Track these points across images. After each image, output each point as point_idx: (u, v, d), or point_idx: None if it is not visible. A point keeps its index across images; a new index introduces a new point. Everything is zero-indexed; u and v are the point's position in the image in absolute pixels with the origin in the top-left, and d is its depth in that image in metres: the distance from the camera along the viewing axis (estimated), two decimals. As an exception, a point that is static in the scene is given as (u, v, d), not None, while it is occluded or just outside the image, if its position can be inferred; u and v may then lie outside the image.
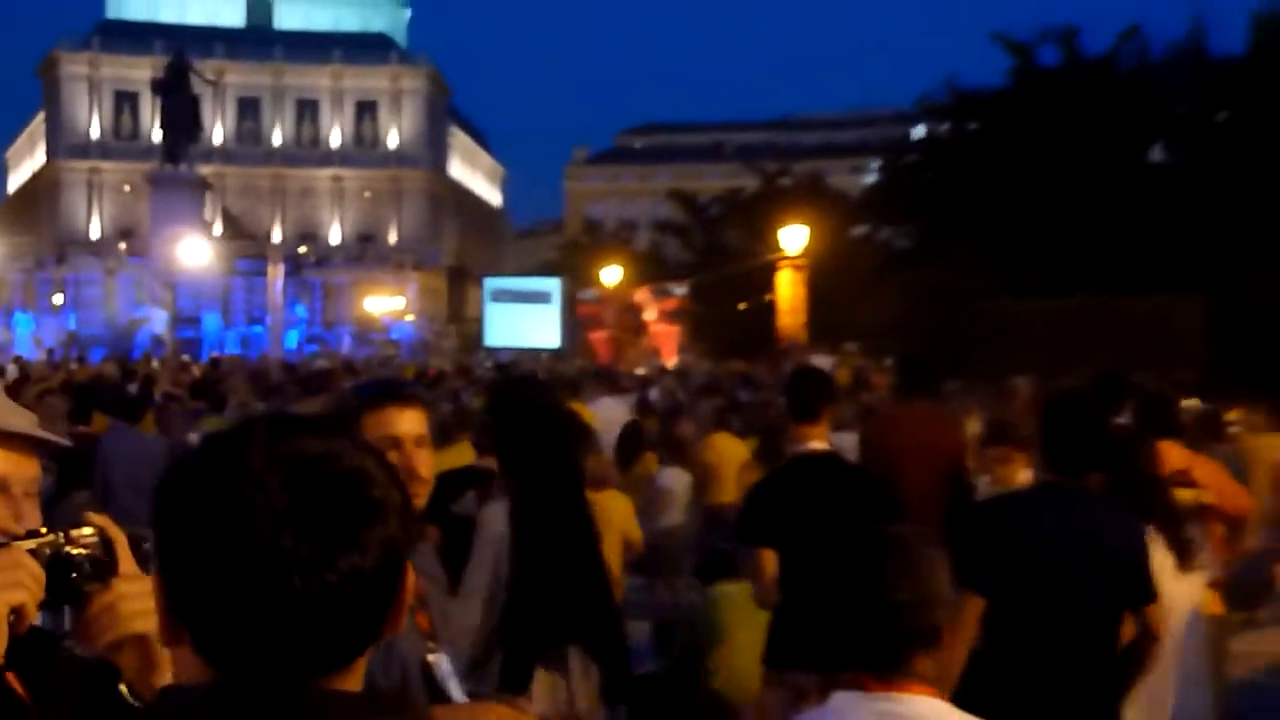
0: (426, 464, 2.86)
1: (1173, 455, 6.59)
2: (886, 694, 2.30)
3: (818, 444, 5.60)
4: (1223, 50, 37.65)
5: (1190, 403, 10.08)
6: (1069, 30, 38.37)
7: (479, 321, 63.11)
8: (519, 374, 17.53)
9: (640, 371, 27.17)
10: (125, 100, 78.45)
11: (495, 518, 4.18)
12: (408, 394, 2.97)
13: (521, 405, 4.91)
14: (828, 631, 2.53)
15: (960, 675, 3.71)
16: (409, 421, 2.84)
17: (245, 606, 1.13)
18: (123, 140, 78.20)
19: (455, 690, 2.71)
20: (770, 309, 32.07)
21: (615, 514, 7.02)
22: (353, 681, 1.21)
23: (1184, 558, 5.57)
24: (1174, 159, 37.82)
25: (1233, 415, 10.76)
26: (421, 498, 2.86)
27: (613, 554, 6.77)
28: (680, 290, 43.59)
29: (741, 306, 39.62)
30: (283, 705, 1.13)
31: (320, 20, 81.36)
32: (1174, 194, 32.22)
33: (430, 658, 2.79)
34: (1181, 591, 5.25)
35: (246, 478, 1.15)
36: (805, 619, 5.07)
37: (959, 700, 2.57)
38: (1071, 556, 4.36)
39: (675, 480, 9.97)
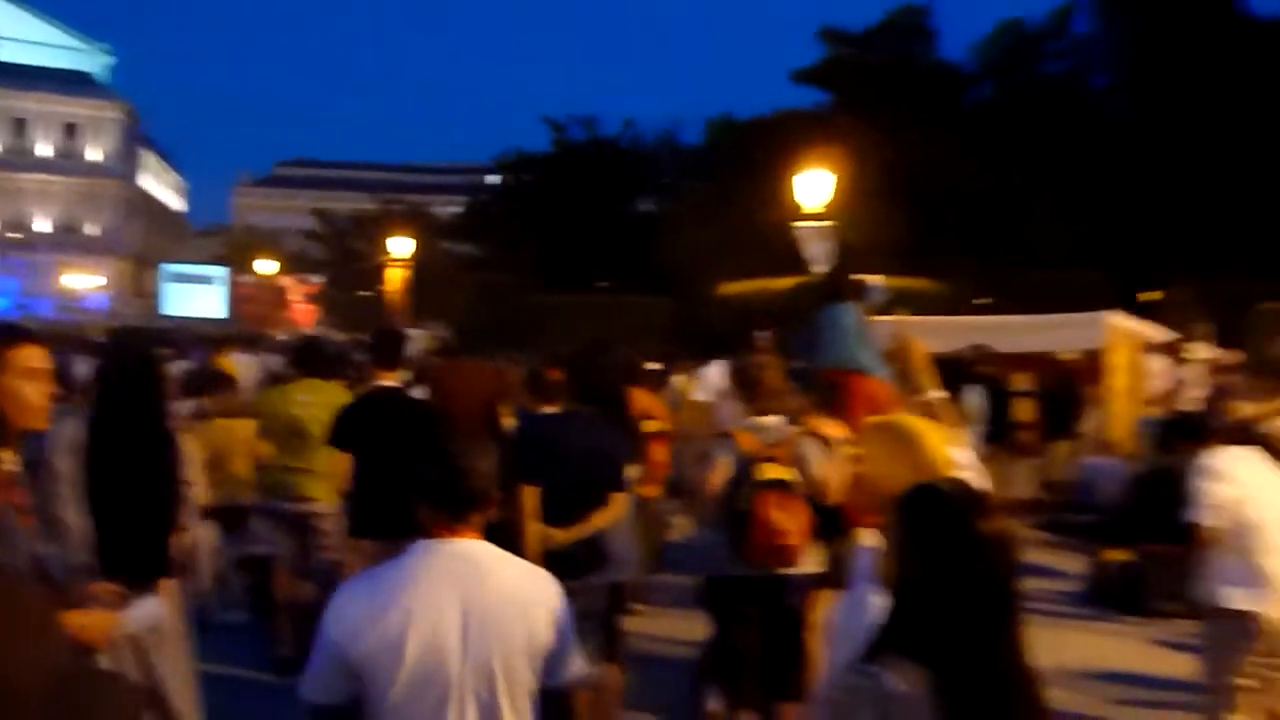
0: (51, 390, 2.71)
1: (641, 398, 7.11)
2: (452, 539, 2.31)
3: (389, 381, 5.65)
4: (690, 139, 41.60)
5: (654, 365, 10.77)
6: (590, 118, 41.61)
7: (156, 297, 59.69)
8: (128, 330, 16.86)
9: (283, 337, 26.42)
10: None
11: (68, 427, 3.68)
12: (38, 336, 2.79)
13: (116, 350, 4.64)
14: (406, 502, 2.40)
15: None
16: (41, 358, 2.68)
17: None
18: None
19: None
20: (383, 296, 31.87)
21: (248, 436, 6.72)
22: None
23: (638, 458, 6.12)
24: (656, 208, 40.79)
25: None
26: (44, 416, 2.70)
27: (244, 465, 6.56)
28: (317, 280, 42.52)
29: (363, 294, 39.18)
30: None
31: (38, 58, 73.49)
32: (653, 232, 34.61)
33: (40, 551, 2.61)
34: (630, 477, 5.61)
35: None
36: (379, 498, 5.10)
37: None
38: (583, 455, 4.61)
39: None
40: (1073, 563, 8.34)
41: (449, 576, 2.27)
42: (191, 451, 4.23)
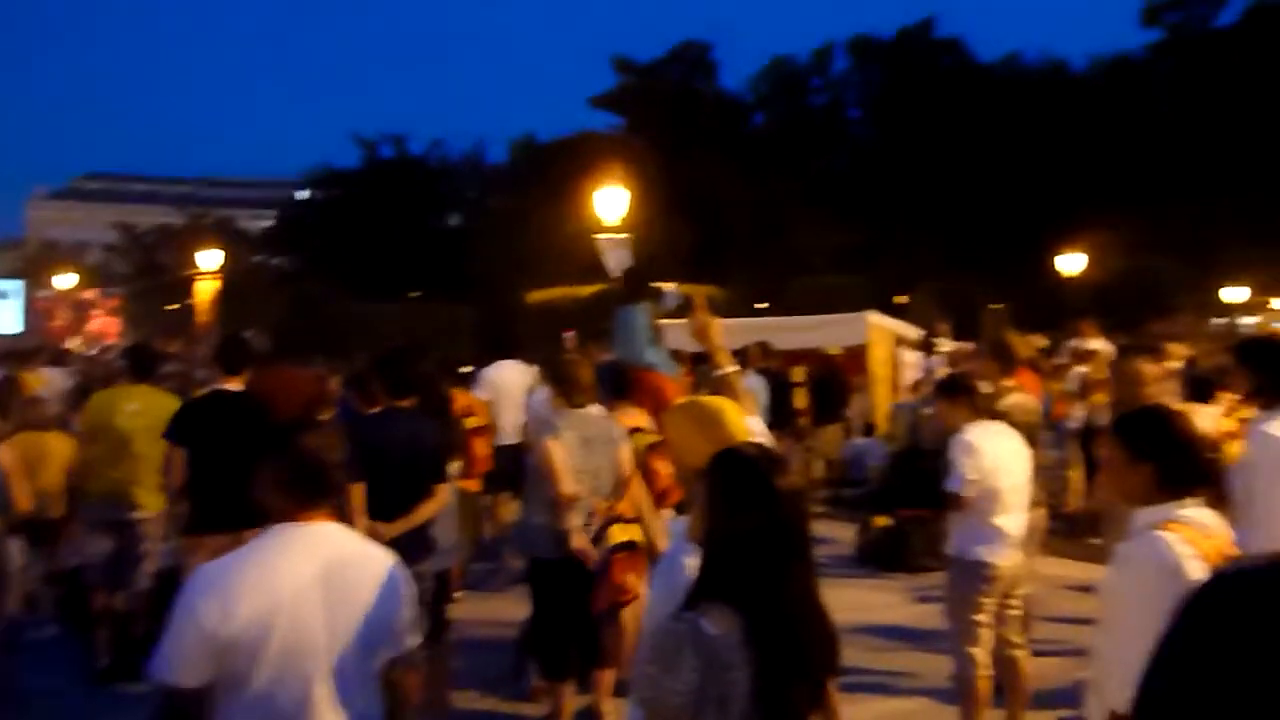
0: None
1: (461, 396, 7.05)
2: (308, 522, 2.28)
3: (233, 386, 5.39)
4: (495, 158, 41.28)
5: (466, 369, 10.66)
6: (399, 136, 40.39)
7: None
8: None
9: (89, 352, 24.20)
10: None
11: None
12: None
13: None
14: (250, 495, 2.35)
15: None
16: None
17: None
18: None
19: None
20: (191, 309, 29.87)
21: (58, 449, 6.24)
22: None
23: (459, 452, 6.07)
24: (463, 223, 40.23)
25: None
26: None
27: (54, 478, 6.11)
28: (120, 293, 39.58)
29: (170, 307, 36.57)
30: None
31: None
32: (461, 244, 34.24)
33: None
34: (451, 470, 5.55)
35: None
36: (222, 493, 4.83)
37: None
38: (405, 451, 4.51)
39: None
40: (845, 531, 8.85)
41: (309, 555, 2.24)
42: (5, 464, 3.89)
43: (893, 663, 5.80)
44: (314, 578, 2.21)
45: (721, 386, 3.13)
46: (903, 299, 26.90)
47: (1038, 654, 5.05)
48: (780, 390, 10.50)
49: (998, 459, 4.42)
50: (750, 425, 2.87)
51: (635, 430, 4.76)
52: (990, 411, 4.62)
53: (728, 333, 11.73)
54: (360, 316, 27.06)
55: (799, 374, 11.00)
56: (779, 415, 10.33)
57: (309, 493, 2.30)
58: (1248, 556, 0.79)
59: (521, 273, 28.34)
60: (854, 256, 32.30)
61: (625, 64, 41.07)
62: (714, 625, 1.78)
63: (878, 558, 7.95)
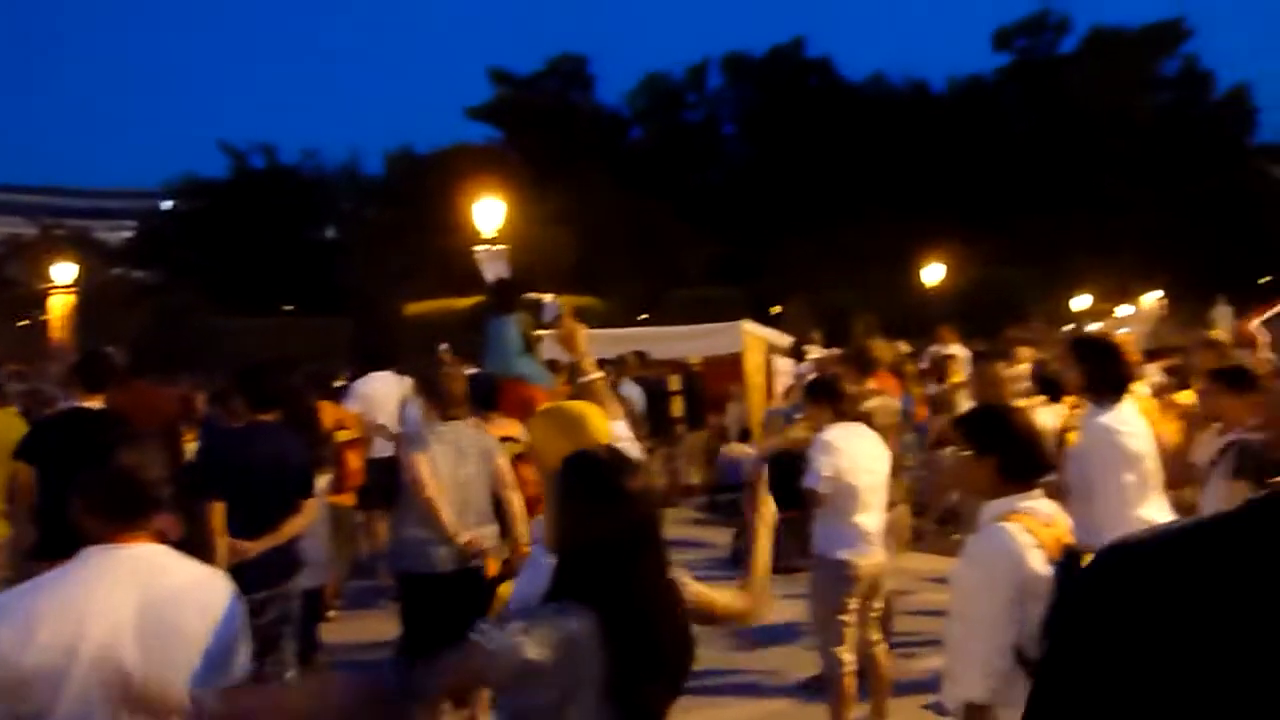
0: None
1: (333, 410, 6.84)
2: (129, 544, 2.16)
3: (93, 404, 5.09)
4: (371, 169, 40.38)
5: (340, 381, 10.37)
6: (270, 146, 39.20)
7: None
8: None
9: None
10: None
11: None
12: None
13: None
14: (70, 515, 2.21)
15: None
16: None
17: None
18: None
19: None
20: (45, 324, 28.04)
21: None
22: None
23: (330, 466, 5.89)
24: (338, 235, 39.27)
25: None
26: None
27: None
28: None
29: (22, 323, 34.29)
30: None
31: None
32: (335, 257, 33.39)
33: None
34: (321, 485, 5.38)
35: None
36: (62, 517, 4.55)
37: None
38: (269, 465, 4.33)
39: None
40: (721, 535, 8.97)
41: (123, 579, 2.11)
42: None
43: (765, 662, 5.91)
44: (130, 605, 2.09)
45: (587, 392, 3.14)
46: (778, 309, 27.57)
47: (901, 645, 5.23)
48: (658, 399, 10.61)
49: (856, 458, 4.56)
50: (615, 430, 2.89)
51: (506, 439, 4.73)
52: (853, 413, 4.76)
53: (607, 343, 11.80)
54: (230, 331, 26.02)
55: (675, 382, 11.13)
56: (656, 423, 10.45)
57: (124, 513, 2.18)
58: (1128, 535, 0.80)
59: (398, 285, 27.79)
60: (731, 268, 32.96)
61: (502, 76, 40.88)
62: (570, 619, 1.79)
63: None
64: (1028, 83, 38.06)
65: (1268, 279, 27.94)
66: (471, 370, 6.00)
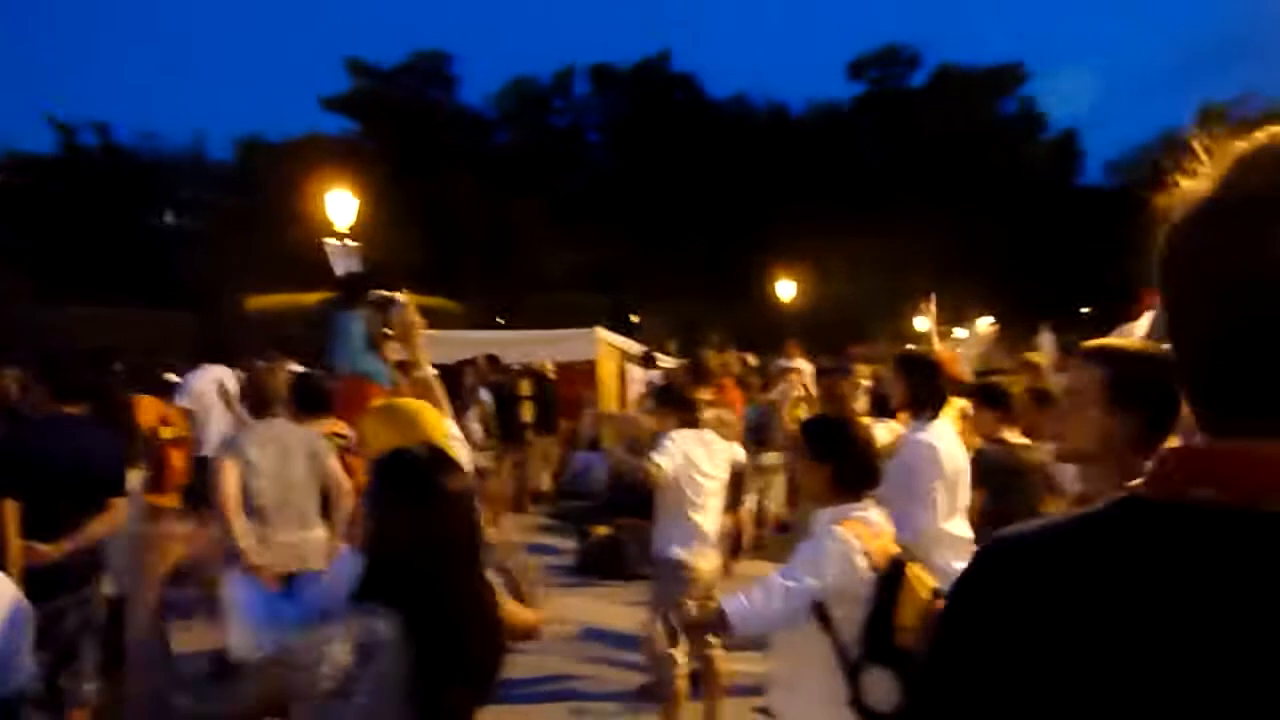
0: None
1: (150, 405, 6.42)
2: None
3: None
4: (218, 155, 38.36)
5: (173, 376, 9.80)
6: (103, 123, 36.72)
7: None
8: None
9: None
10: None
11: None
12: None
13: None
14: None
15: None
16: None
17: None
18: None
19: None
20: None
21: None
22: None
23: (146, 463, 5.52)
24: (179, 223, 37.34)
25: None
26: None
27: None
28: None
29: None
30: None
31: None
32: (177, 245, 31.66)
33: None
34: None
35: None
36: None
37: None
38: (71, 461, 3.98)
39: None
40: (569, 542, 8.92)
41: None
42: None
43: (602, 667, 5.90)
44: None
45: (422, 389, 3.04)
46: (637, 318, 27.82)
47: (736, 649, 5.30)
48: (509, 404, 10.48)
49: (696, 461, 4.63)
50: (449, 429, 2.80)
51: (333, 435, 4.54)
52: (696, 420, 4.81)
53: (461, 345, 11.61)
54: (51, 319, 24.14)
55: (527, 387, 11.03)
56: (506, 428, 10.31)
57: None
58: (1009, 529, 0.83)
59: (244, 277, 26.56)
60: (593, 275, 33.05)
61: (360, 67, 39.74)
62: (377, 627, 1.72)
63: (598, 566, 8.08)
64: (880, 112, 39.86)
65: (1088, 310, 30.09)
66: (300, 369, 5.75)
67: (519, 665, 5.98)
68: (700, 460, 4.67)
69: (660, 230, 35.33)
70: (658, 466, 4.51)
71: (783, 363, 10.30)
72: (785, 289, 27.00)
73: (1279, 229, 0.67)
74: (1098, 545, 0.74)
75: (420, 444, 2.04)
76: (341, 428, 4.51)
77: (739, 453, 5.15)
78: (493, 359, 10.33)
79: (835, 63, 56.44)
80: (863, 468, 2.89)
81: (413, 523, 1.80)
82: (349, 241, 14.76)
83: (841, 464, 2.90)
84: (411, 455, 1.92)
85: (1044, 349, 7.79)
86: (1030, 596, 0.74)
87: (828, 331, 24.00)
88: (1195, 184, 0.74)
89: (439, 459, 1.91)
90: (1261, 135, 0.72)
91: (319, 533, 4.41)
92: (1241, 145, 0.73)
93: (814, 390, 8.23)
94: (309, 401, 4.66)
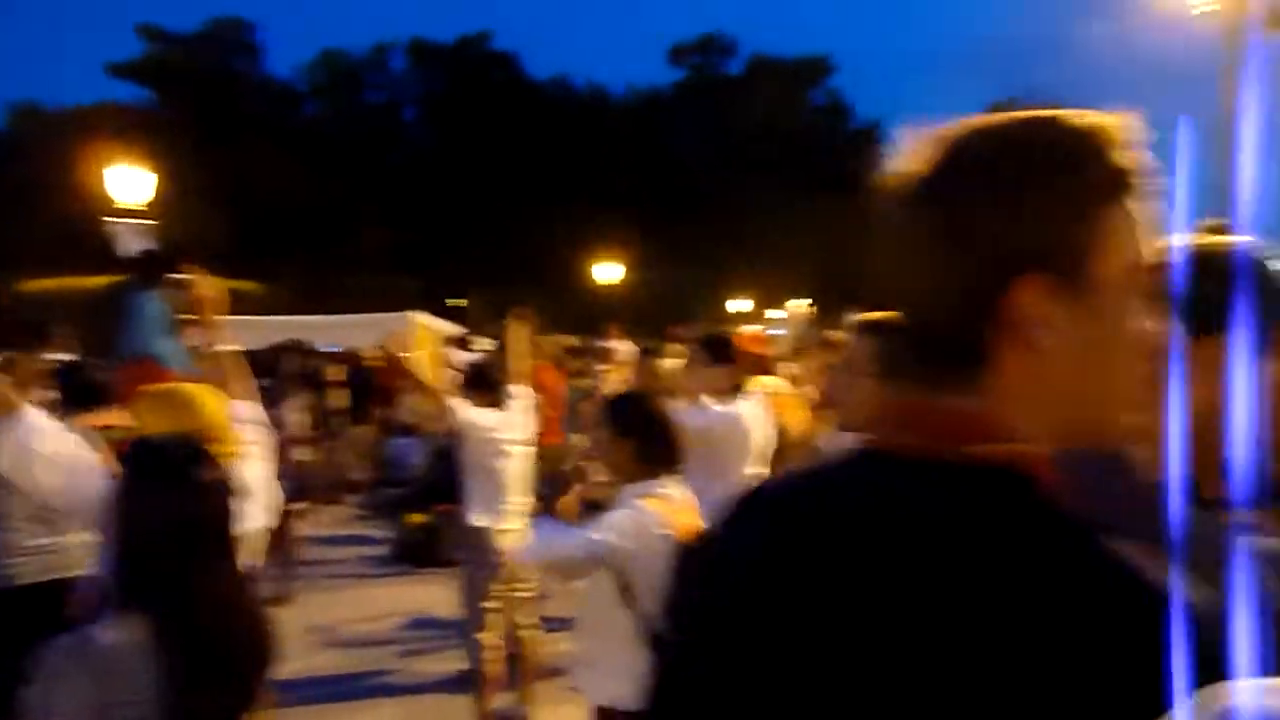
0: None
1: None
2: None
3: None
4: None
5: None
6: None
7: None
8: None
9: None
10: None
11: None
12: None
13: None
14: None
15: None
16: None
17: None
18: None
19: None
20: None
21: None
22: None
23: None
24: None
25: None
26: None
27: None
28: None
29: None
30: None
31: None
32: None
33: None
34: None
35: None
36: None
37: None
38: None
39: None
40: (382, 531, 8.70)
41: None
42: None
43: (418, 658, 5.80)
44: None
45: (217, 371, 2.87)
46: (459, 301, 27.32)
47: (555, 629, 5.32)
48: (319, 390, 10.09)
49: (502, 439, 4.60)
50: (240, 411, 2.66)
51: (105, 429, 4.20)
52: (501, 402, 4.77)
53: (267, 330, 11.09)
54: None
55: (337, 373, 10.64)
56: (318, 416, 9.91)
57: None
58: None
59: (18, 257, 24.27)
60: (411, 257, 32.21)
61: (154, 32, 37.05)
62: (113, 633, 1.60)
63: (414, 555, 7.91)
64: (699, 98, 40.72)
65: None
66: (72, 358, 5.33)
67: (332, 660, 5.81)
68: (507, 440, 4.64)
69: (481, 211, 34.84)
70: (455, 411, 4.45)
71: (602, 344, 10.39)
72: (607, 272, 27.20)
73: (961, 205, 0.75)
74: (823, 489, 0.80)
75: (179, 431, 1.92)
76: (117, 419, 4.19)
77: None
78: (298, 344, 9.90)
79: (657, 49, 57.16)
80: (665, 444, 2.94)
81: (161, 516, 1.69)
82: (141, 219, 13.77)
83: (644, 440, 2.94)
84: (158, 443, 1.81)
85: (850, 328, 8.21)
86: (753, 539, 0.80)
87: (650, 314, 24.38)
88: (907, 164, 0.80)
89: (191, 447, 1.79)
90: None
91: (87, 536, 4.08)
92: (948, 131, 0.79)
93: (633, 372, 8.33)
94: (78, 394, 4.29)
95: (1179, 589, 0.65)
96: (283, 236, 30.63)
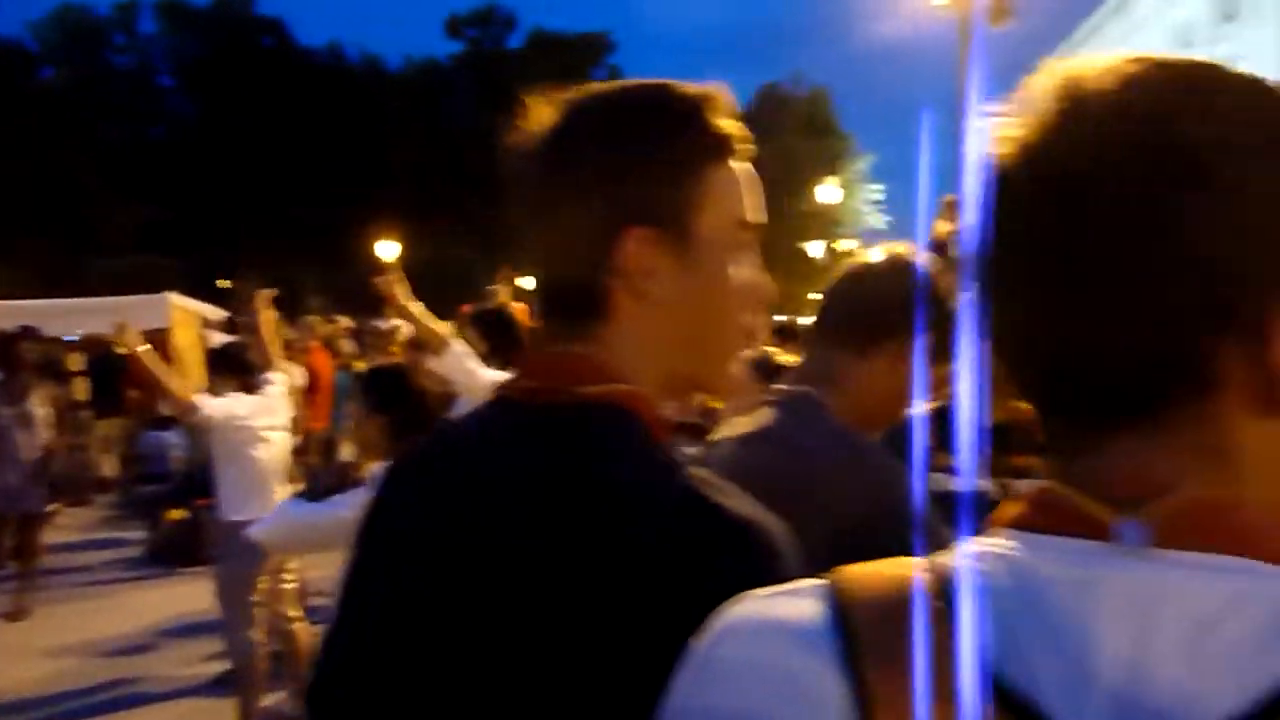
0: None
1: None
2: None
3: None
4: None
5: None
6: None
7: None
8: None
9: None
10: None
11: None
12: None
13: None
14: None
15: None
16: None
17: None
18: None
19: None
20: None
21: None
22: None
23: None
24: None
25: None
26: None
27: None
28: None
29: None
30: None
31: None
32: None
33: None
34: None
35: None
36: None
37: None
38: None
39: None
40: (137, 532, 8.08)
41: None
42: None
43: (175, 663, 5.44)
44: None
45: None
46: (227, 283, 25.67)
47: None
48: (59, 381, 9.20)
49: (256, 426, 4.34)
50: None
51: None
52: (255, 385, 4.50)
53: (2, 315, 9.94)
54: None
55: (78, 363, 9.75)
56: (55, 409, 9.05)
57: None
58: None
59: None
60: (168, 236, 29.94)
61: None
62: None
63: (172, 554, 7.39)
64: (477, 72, 40.03)
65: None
66: None
67: (87, 670, 5.36)
68: (262, 426, 4.38)
69: (250, 186, 32.82)
70: (199, 407, 4.16)
71: (378, 324, 10.02)
72: (386, 249, 26.35)
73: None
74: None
75: None
76: None
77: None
78: (30, 330, 8.95)
79: (434, 20, 55.69)
80: (418, 419, 2.88)
81: None
82: None
83: (398, 415, 2.87)
84: None
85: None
86: (390, 485, 0.88)
87: (432, 292, 23.86)
88: (534, 128, 0.87)
89: None
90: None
91: None
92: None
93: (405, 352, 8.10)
94: None
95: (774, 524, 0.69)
96: (16, 214, 27.61)
